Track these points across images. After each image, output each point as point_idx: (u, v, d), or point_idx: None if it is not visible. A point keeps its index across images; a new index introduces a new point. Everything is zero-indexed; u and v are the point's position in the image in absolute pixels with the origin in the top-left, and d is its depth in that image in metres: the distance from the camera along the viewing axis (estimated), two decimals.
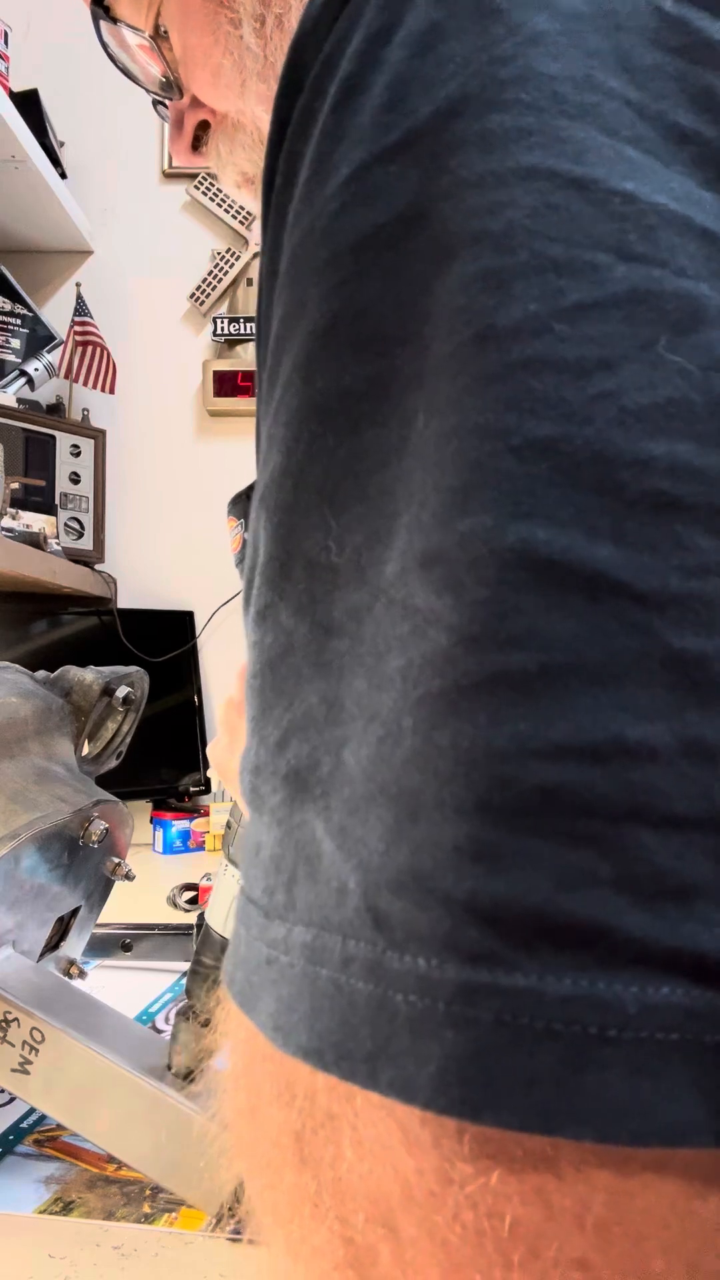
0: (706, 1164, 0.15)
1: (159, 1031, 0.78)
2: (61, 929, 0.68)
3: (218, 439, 1.92)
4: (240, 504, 0.35)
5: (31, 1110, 0.65)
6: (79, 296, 1.79)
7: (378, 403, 0.18)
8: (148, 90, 0.56)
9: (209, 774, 1.68)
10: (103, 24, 0.54)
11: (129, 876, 0.72)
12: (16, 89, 1.66)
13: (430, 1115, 0.16)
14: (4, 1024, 0.55)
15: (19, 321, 1.74)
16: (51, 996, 0.57)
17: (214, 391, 1.85)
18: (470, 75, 0.18)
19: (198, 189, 1.92)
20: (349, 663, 0.18)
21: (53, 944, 0.68)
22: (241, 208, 1.91)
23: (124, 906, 0.95)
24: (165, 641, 1.81)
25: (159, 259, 1.93)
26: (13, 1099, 0.65)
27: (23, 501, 1.64)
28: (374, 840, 0.16)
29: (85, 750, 0.76)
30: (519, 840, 0.15)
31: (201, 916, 0.57)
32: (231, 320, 1.88)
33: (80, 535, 1.79)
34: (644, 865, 0.15)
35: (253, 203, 0.54)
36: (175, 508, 1.90)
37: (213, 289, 1.91)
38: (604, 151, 0.17)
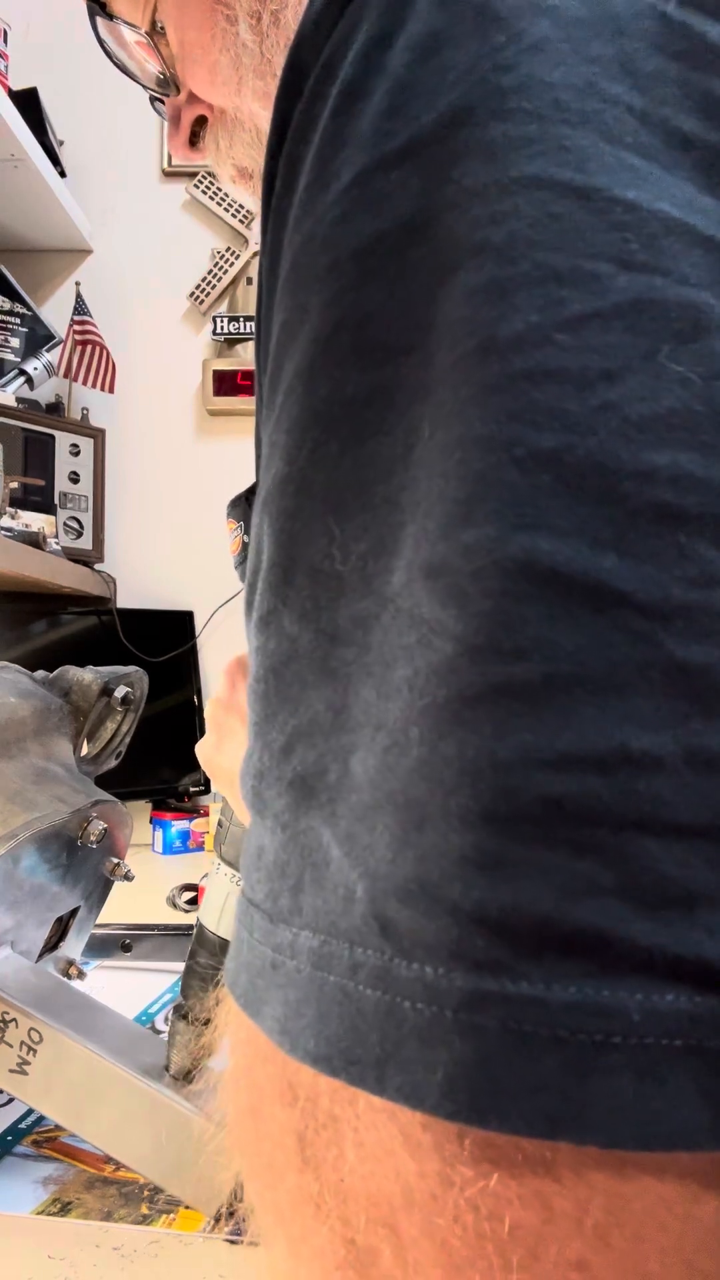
0: (704, 1167, 0.16)
1: (158, 1032, 0.78)
2: (60, 929, 0.68)
3: (217, 438, 1.91)
4: (239, 506, 0.35)
5: (30, 1111, 0.65)
6: (78, 296, 1.79)
7: (382, 411, 0.18)
8: (145, 87, 0.56)
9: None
10: (99, 21, 0.54)
11: (128, 877, 0.72)
12: (16, 88, 1.66)
13: (432, 1119, 0.16)
14: (2, 1024, 0.55)
15: (18, 321, 1.74)
16: (50, 997, 0.57)
17: (214, 390, 1.85)
18: (472, 83, 0.18)
19: (197, 188, 1.91)
20: (356, 671, 0.18)
21: (52, 944, 0.68)
22: (241, 206, 1.91)
23: (124, 907, 0.95)
24: (165, 641, 1.81)
25: (159, 258, 1.93)
26: (11, 1100, 0.65)
27: (22, 501, 1.64)
28: (381, 848, 0.17)
29: (84, 750, 0.76)
30: (524, 850, 0.15)
31: None
32: (231, 319, 1.88)
33: (79, 535, 1.79)
34: (648, 874, 0.15)
35: (249, 197, 0.54)
36: (175, 507, 1.90)
37: (212, 288, 1.91)
38: (606, 159, 0.17)
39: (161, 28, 0.52)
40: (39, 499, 1.71)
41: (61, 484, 1.76)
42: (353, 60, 0.20)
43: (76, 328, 1.76)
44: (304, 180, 0.21)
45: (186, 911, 1.16)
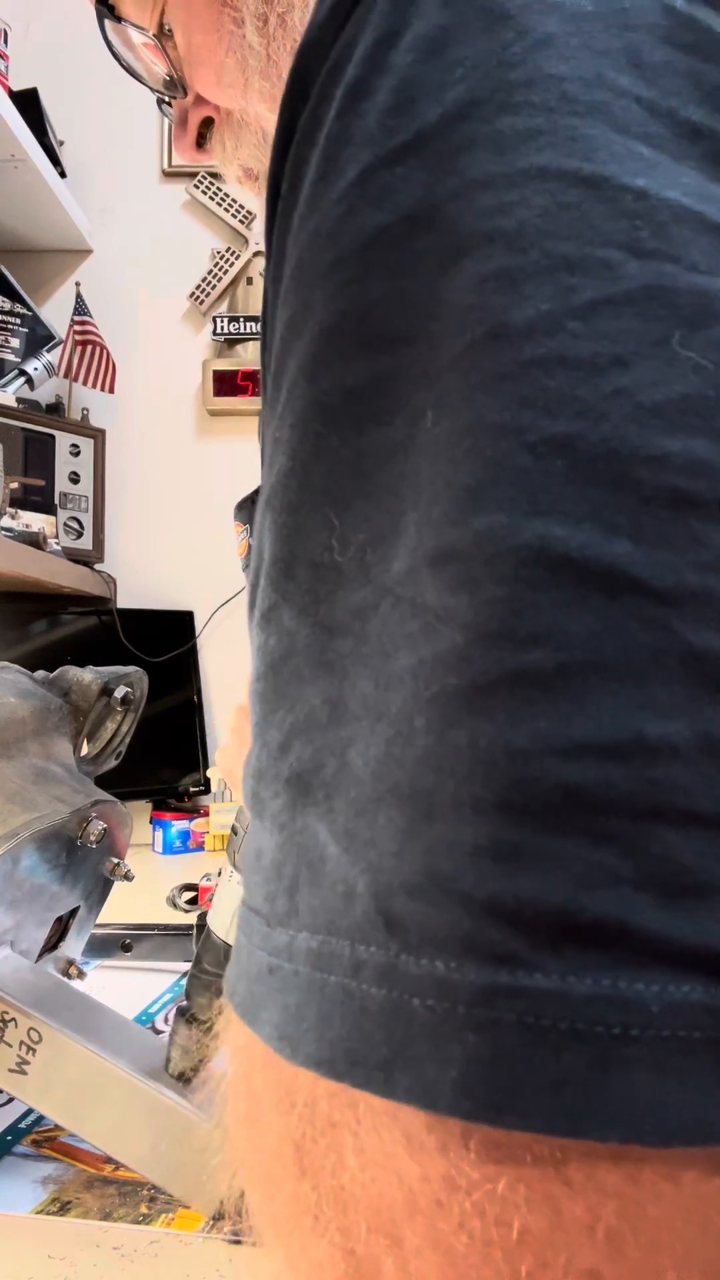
0: None
1: (158, 1032, 0.78)
2: (60, 929, 0.68)
3: (217, 438, 1.91)
4: (246, 509, 0.35)
5: (29, 1110, 0.65)
6: (78, 296, 1.79)
7: (382, 401, 0.18)
8: (152, 89, 0.56)
9: (208, 774, 1.68)
10: (107, 23, 0.55)
11: (128, 877, 0.72)
12: (16, 89, 1.66)
13: (436, 1121, 0.16)
14: (1, 1024, 0.55)
15: (18, 321, 1.74)
16: (49, 997, 0.57)
17: (214, 391, 1.85)
18: (479, 79, 0.18)
19: (197, 188, 1.91)
20: (352, 663, 0.18)
21: (51, 944, 0.68)
22: (242, 206, 1.91)
23: (124, 907, 0.95)
24: (165, 641, 1.81)
25: (159, 258, 1.93)
26: (11, 1099, 0.65)
27: (22, 501, 1.64)
28: (385, 842, 0.16)
29: (84, 750, 0.76)
30: (540, 839, 0.15)
31: (202, 917, 0.57)
32: (231, 319, 1.88)
33: (80, 535, 1.79)
34: (665, 863, 0.15)
35: (255, 198, 0.54)
36: (175, 507, 1.90)
37: (212, 288, 1.91)
38: (615, 149, 0.17)
39: (169, 30, 0.52)
40: (39, 499, 1.71)
41: (62, 484, 1.76)
42: (358, 61, 0.20)
43: (76, 328, 1.76)
44: (309, 179, 0.21)
45: (186, 911, 1.16)
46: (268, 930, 0.19)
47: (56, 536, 1.62)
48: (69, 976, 0.71)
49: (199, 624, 1.87)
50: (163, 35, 0.52)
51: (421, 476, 0.17)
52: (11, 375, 1.68)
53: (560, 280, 0.17)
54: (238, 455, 1.89)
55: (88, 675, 0.73)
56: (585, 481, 0.16)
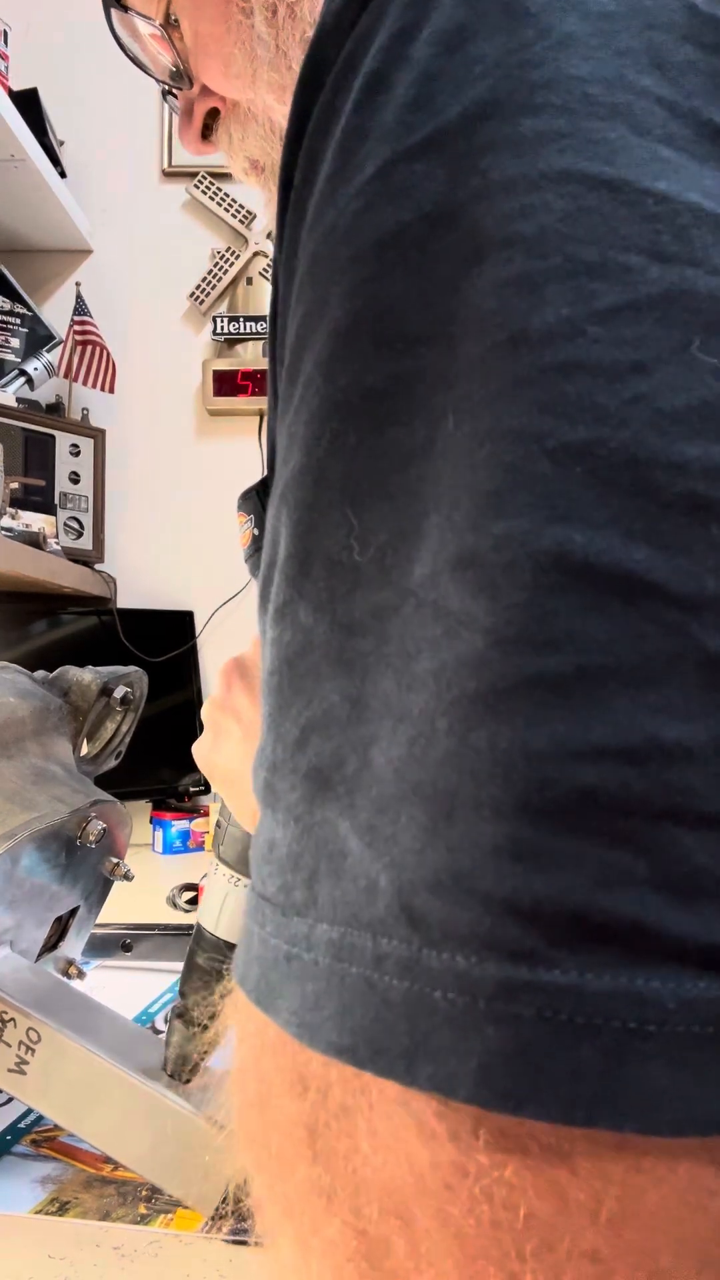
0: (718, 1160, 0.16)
1: (158, 1032, 0.78)
2: (60, 929, 0.68)
3: (217, 438, 1.91)
4: (250, 500, 0.35)
5: (29, 1110, 0.65)
6: (78, 296, 1.79)
7: (402, 402, 0.18)
8: (158, 80, 0.56)
9: None
10: (114, 13, 0.54)
11: (128, 876, 0.72)
12: (16, 89, 1.66)
13: (447, 1109, 0.16)
14: (0, 1024, 0.55)
15: (19, 321, 1.74)
16: (48, 997, 0.57)
17: (214, 391, 1.85)
18: (500, 78, 0.18)
19: (197, 188, 1.91)
20: (374, 662, 0.18)
21: (51, 944, 0.68)
22: (242, 206, 1.91)
23: (124, 907, 0.95)
24: (165, 641, 1.81)
25: (159, 258, 1.93)
26: (10, 1099, 0.65)
27: (22, 501, 1.64)
28: (407, 839, 0.16)
29: (84, 750, 0.76)
30: (558, 840, 0.15)
31: None
32: (231, 319, 1.88)
33: (80, 535, 1.79)
34: (680, 864, 0.15)
35: (259, 190, 0.54)
36: (175, 507, 1.90)
37: (212, 288, 1.91)
38: (636, 152, 0.17)
39: (176, 20, 0.52)
40: (39, 499, 1.71)
41: (62, 484, 1.76)
42: (376, 53, 0.20)
43: (76, 328, 1.76)
44: (325, 172, 0.21)
45: (186, 911, 1.16)
46: (283, 919, 0.19)
47: (56, 536, 1.62)
48: (69, 976, 0.72)
49: (199, 624, 1.87)
50: (169, 25, 0.52)
51: (442, 480, 0.17)
52: (11, 375, 1.68)
53: (581, 285, 0.17)
54: (238, 455, 1.89)
55: (87, 675, 0.73)
56: (604, 487, 0.16)
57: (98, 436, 1.83)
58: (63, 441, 1.76)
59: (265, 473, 0.30)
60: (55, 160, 1.74)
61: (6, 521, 1.45)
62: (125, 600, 1.86)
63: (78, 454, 1.79)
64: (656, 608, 0.15)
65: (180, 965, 0.54)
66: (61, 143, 1.84)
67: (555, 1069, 0.15)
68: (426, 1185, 0.16)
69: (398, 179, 0.19)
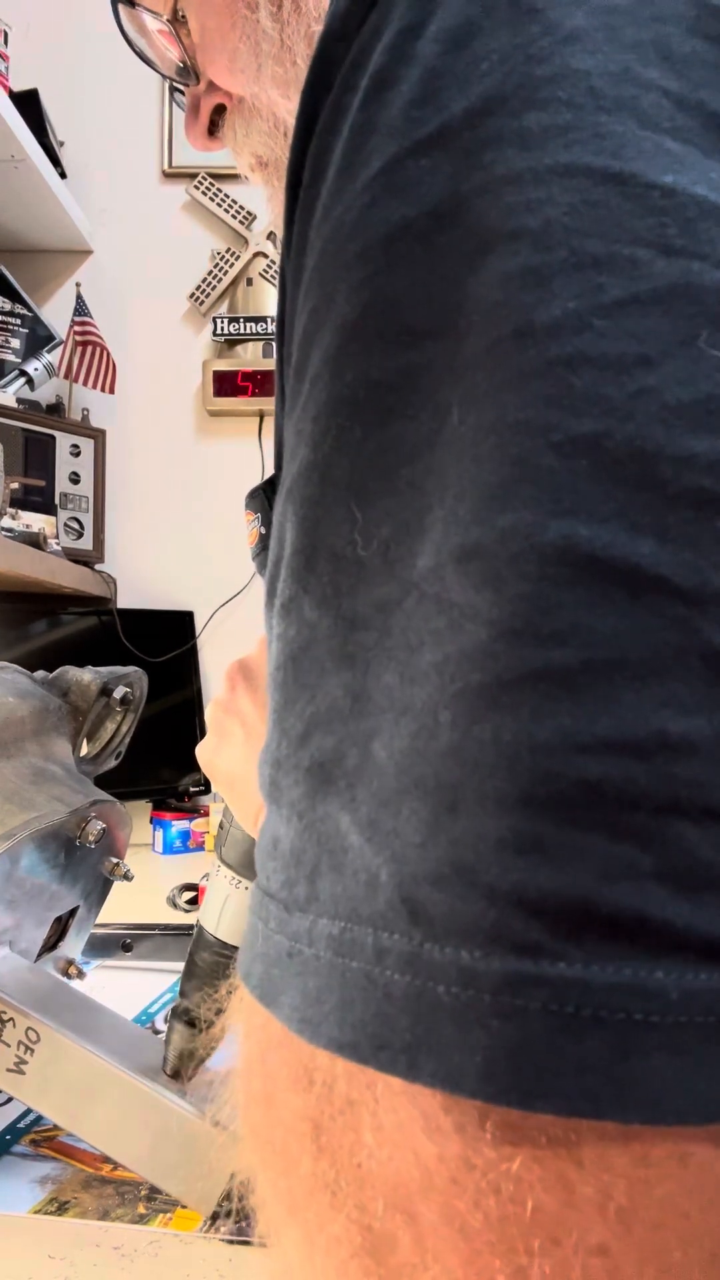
0: None
1: (158, 1032, 0.78)
2: (60, 929, 0.68)
3: (217, 439, 1.91)
4: (258, 498, 0.35)
5: (29, 1110, 0.65)
6: (79, 296, 1.79)
7: (407, 395, 0.18)
8: (165, 76, 0.56)
9: None
10: (122, 9, 0.54)
11: (127, 877, 0.72)
12: (16, 89, 1.66)
13: (453, 1103, 0.16)
14: (0, 1023, 0.55)
15: (19, 321, 1.74)
16: (48, 996, 0.57)
17: (214, 391, 1.85)
18: (506, 73, 0.18)
19: (198, 189, 1.91)
20: (376, 656, 0.18)
21: (51, 944, 0.68)
22: (242, 207, 1.91)
23: (124, 907, 0.95)
24: (165, 641, 1.81)
25: (159, 259, 1.93)
26: (10, 1099, 0.65)
27: (22, 501, 1.64)
28: (409, 833, 0.16)
29: (84, 750, 0.76)
30: (563, 833, 0.15)
31: None
32: (231, 320, 1.88)
33: (80, 535, 1.79)
34: (685, 857, 0.15)
35: (264, 186, 0.54)
36: (175, 508, 1.90)
37: (212, 289, 1.91)
38: (643, 145, 0.17)
39: (183, 16, 0.52)
40: (39, 499, 1.71)
41: (62, 484, 1.76)
42: (383, 50, 0.20)
43: (77, 328, 1.76)
44: (333, 170, 0.21)
45: (186, 911, 1.16)
46: (285, 915, 0.19)
47: (57, 536, 1.62)
48: (68, 976, 0.72)
49: (199, 624, 1.87)
50: (177, 21, 0.52)
51: (447, 473, 0.17)
52: (12, 375, 1.68)
53: (587, 278, 0.17)
54: (238, 455, 1.89)
55: (87, 675, 0.73)
56: (610, 481, 0.16)
57: (98, 437, 1.83)
58: (63, 442, 1.76)
59: (269, 472, 0.30)
60: (55, 160, 1.74)
61: (6, 522, 1.45)
62: (125, 600, 1.86)
63: (78, 454, 1.79)
64: (662, 601, 0.15)
65: (180, 965, 0.54)
66: (61, 143, 1.84)
67: (561, 1062, 0.15)
68: (432, 1180, 0.16)
69: (403, 174, 0.19)
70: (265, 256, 1.91)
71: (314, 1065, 0.19)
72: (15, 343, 1.73)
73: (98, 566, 1.83)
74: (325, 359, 0.20)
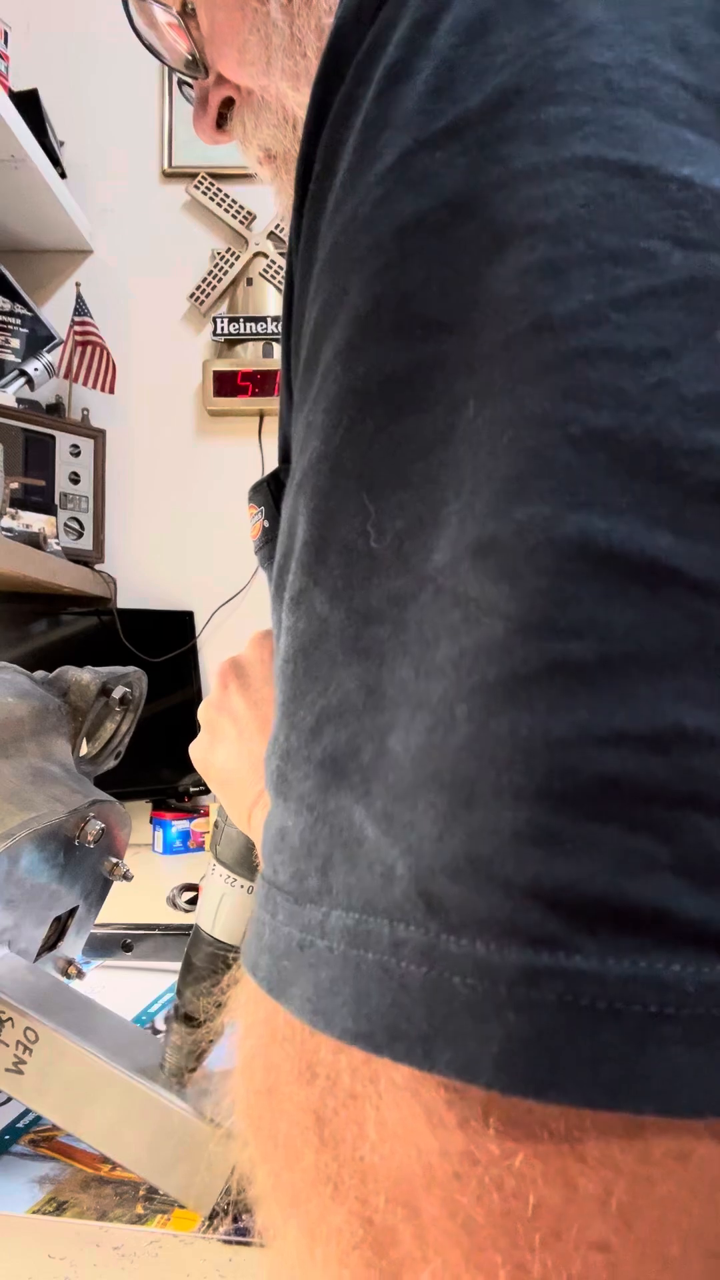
0: None
1: (158, 1032, 0.78)
2: (59, 929, 0.68)
3: (218, 439, 1.91)
4: (261, 491, 0.35)
5: (28, 1110, 0.65)
6: (79, 296, 1.79)
7: (421, 389, 0.18)
8: (173, 69, 0.56)
9: None
10: (131, 1, 0.54)
11: (127, 877, 0.72)
12: (16, 89, 1.66)
13: (457, 1097, 0.16)
14: None
15: (19, 321, 1.74)
16: (46, 996, 0.57)
17: (214, 391, 1.85)
18: (523, 66, 0.18)
19: (198, 188, 1.91)
20: (391, 649, 0.18)
21: (50, 944, 0.68)
22: (242, 207, 1.91)
23: (124, 907, 0.95)
24: (165, 641, 1.81)
25: (159, 259, 1.93)
26: (9, 1099, 0.65)
27: (22, 501, 1.64)
28: (425, 826, 0.16)
29: (83, 750, 0.76)
30: (580, 826, 0.15)
31: None
32: (231, 320, 1.88)
33: (80, 535, 1.79)
34: (701, 850, 0.15)
35: (271, 180, 0.54)
36: (175, 507, 1.90)
37: (213, 289, 1.91)
38: (660, 137, 0.17)
39: (193, 9, 0.52)
40: (39, 499, 1.71)
41: (62, 484, 1.76)
42: (397, 43, 0.20)
43: (77, 328, 1.76)
44: (346, 163, 0.21)
45: (186, 911, 1.16)
46: (295, 907, 0.19)
47: (56, 536, 1.62)
48: (68, 976, 0.72)
49: (199, 624, 1.87)
50: (186, 14, 0.52)
51: (463, 467, 0.17)
52: (11, 375, 1.68)
53: (604, 271, 0.17)
54: (238, 455, 1.89)
55: (86, 675, 0.73)
56: (628, 474, 0.16)
57: (98, 437, 1.83)
58: (63, 442, 1.76)
59: (272, 468, 0.30)
60: (55, 160, 1.74)
61: (6, 522, 1.45)
62: (125, 600, 1.86)
63: (78, 454, 1.79)
64: (679, 594, 0.15)
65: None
66: (61, 143, 1.84)
67: (577, 1054, 0.15)
68: (435, 1174, 0.16)
69: (418, 167, 0.19)
70: (265, 256, 1.91)
71: (317, 1059, 0.19)
72: (15, 343, 1.72)
73: (98, 566, 1.83)
74: (337, 352, 0.20)
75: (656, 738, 0.15)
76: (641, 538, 0.16)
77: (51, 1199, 0.55)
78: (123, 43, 1.92)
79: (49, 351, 1.73)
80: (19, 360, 1.71)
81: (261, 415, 1.89)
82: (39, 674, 0.72)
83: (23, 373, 1.68)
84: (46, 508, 1.70)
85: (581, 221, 0.17)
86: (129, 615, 1.79)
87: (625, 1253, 0.15)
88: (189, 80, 0.56)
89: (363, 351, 0.19)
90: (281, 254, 1.91)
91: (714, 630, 0.15)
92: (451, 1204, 0.16)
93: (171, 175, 1.94)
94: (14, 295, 1.73)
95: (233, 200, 1.92)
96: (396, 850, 0.17)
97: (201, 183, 1.91)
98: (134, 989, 0.88)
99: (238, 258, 1.91)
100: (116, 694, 0.74)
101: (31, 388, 1.71)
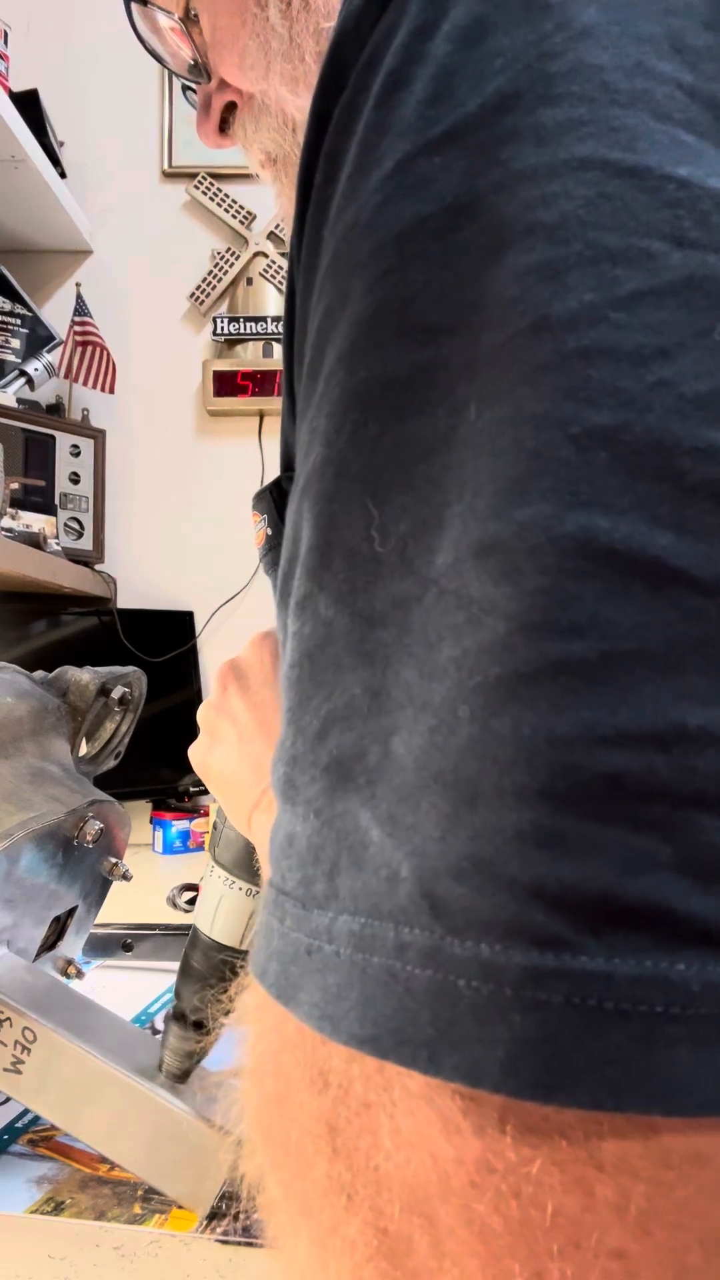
0: None
1: (157, 1032, 0.78)
2: (58, 929, 0.68)
3: (217, 439, 1.91)
4: (264, 499, 0.35)
5: (27, 1109, 0.65)
6: (79, 296, 1.79)
7: (423, 391, 0.18)
8: (176, 74, 0.56)
9: None
10: (135, 7, 0.55)
11: (126, 877, 0.72)
12: (16, 89, 1.66)
13: (472, 1105, 0.16)
14: None
15: (19, 321, 1.74)
16: (45, 996, 0.57)
17: (214, 391, 1.85)
18: (520, 70, 0.18)
19: (198, 188, 1.91)
20: (395, 653, 0.18)
21: (49, 943, 0.68)
22: (242, 207, 1.91)
23: (124, 907, 0.95)
24: (165, 641, 1.81)
25: (159, 259, 1.93)
26: (8, 1099, 0.65)
27: (22, 501, 1.64)
28: (429, 828, 0.16)
29: (83, 750, 0.76)
30: (583, 826, 0.15)
31: None
32: (231, 320, 1.87)
33: (80, 535, 1.79)
34: (705, 849, 0.15)
35: (272, 183, 0.55)
36: (175, 507, 1.90)
37: (212, 289, 1.91)
38: (657, 137, 0.17)
39: (195, 15, 0.52)
40: (39, 500, 1.71)
41: (62, 485, 1.76)
42: (396, 50, 0.20)
43: (77, 328, 1.76)
44: (346, 170, 0.21)
45: (186, 911, 1.16)
46: (303, 913, 0.19)
47: (56, 536, 1.62)
48: (67, 976, 0.72)
49: (199, 624, 1.87)
50: (189, 20, 0.52)
51: (465, 468, 0.17)
52: (12, 376, 1.68)
53: (603, 271, 0.17)
54: (238, 455, 1.89)
55: (85, 675, 0.73)
56: (629, 473, 0.16)
57: (98, 437, 1.83)
58: (63, 442, 1.76)
59: (270, 472, 0.30)
60: (55, 160, 1.74)
61: (6, 522, 1.45)
62: (125, 600, 1.86)
63: (78, 454, 1.79)
64: (681, 593, 0.15)
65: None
66: (61, 143, 1.84)
67: (584, 1055, 0.15)
68: (451, 1183, 0.16)
69: (417, 172, 0.19)
70: (265, 256, 1.91)
71: (329, 1067, 0.18)
72: (15, 343, 1.73)
73: (98, 566, 1.83)
74: (339, 357, 0.20)
75: (659, 736, 0.15)
76: (643, 536, 0.16)
77: (50, 1199, 0.55)
78: (123, 43, 1.92)
79: (49, 351, 1.73)
80: (19, 360, 1.71)
81: (261, 415, 1.89)
82: (38, 674, 0.72)
83: (23, 373, 1.68)
84: (46, 508, 1.70)
85: (580, 222, 0.17)
86: (129, 615, 1.79)
87: (643, 1260, 0.15)
88: (192, 85, 0.56)
89: (364, 356, 0.19)
90: (282, 254, 1.91)
91: (715, 628, 0.15)
92: (468, 1213, 0.16)
93: (171, 175, 1.94)
94: (14, 295, 1.74)
95: (233, 200, 1.92)
96: (401, 853, 0.17)
97: (201, 183, 1.91)
98: (134, 989, 0.88)
99: (238, 258, 1.91)
100: (116, 694, 0.74)
101: (31, 388, 1.71)
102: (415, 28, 0.20)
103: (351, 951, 0.17)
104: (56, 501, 1.75)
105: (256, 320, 1.87)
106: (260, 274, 1.90)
